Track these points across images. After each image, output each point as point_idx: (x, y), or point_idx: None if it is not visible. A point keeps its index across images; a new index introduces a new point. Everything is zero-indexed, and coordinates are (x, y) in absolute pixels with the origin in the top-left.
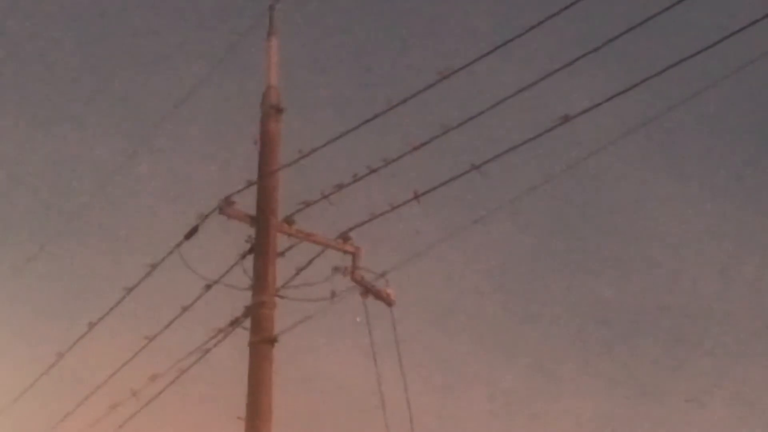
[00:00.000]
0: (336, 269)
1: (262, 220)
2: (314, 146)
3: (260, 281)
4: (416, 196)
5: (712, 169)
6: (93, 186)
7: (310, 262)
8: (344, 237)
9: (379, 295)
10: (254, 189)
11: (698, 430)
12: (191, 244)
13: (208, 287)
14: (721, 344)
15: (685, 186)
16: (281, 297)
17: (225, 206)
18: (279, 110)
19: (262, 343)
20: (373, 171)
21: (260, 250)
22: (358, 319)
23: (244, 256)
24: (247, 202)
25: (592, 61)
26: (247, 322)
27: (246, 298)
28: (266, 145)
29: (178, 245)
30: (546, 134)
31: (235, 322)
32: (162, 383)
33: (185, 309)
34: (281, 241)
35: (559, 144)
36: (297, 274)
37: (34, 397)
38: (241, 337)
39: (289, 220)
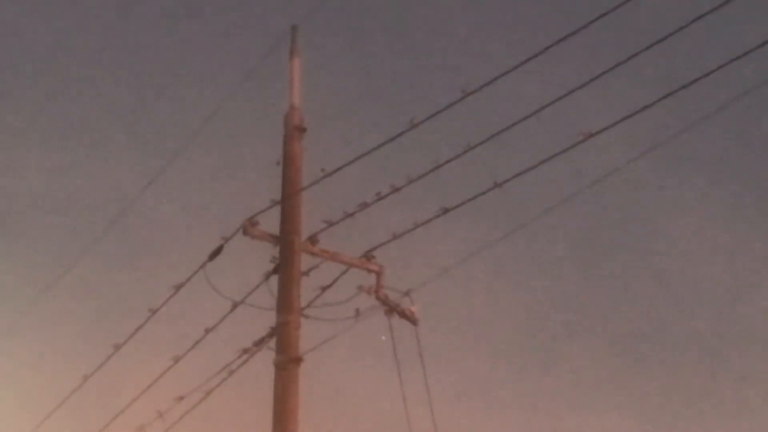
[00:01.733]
0: (360, 288)
1: (285, 240)
2: (337, 166)
3: (285, 301)
4: (444, 212)
5: (734, 182)
6: (117, 207)
7: (334, 281)
8: (368, 256)
9: (403, 314)
10: (278, 209)
11: None
12: (216, 265)
13: (234, 307)
14: (746, 359)
15: (708, 202)
16: (306, 316)
17: (249, 227)
18: (302, 130)
19: (287, 362)
20: (397, 190)
21: (284, 270)
22: (383, 338)
23: (268, 277)
24: (271, 223)
25: (613, 78)
26: (272, 342)
27: (271, 318)
28: (289, 165)
29: (203, 266)
30: (571, 150)
31: (260, 342)
32: (188, 404)
33: (210, 329)
34: (305, 261)
35: (584, 160)
36: (321, 293)
37: (61, 420)
38: (267, 357)
39: (312, 240)
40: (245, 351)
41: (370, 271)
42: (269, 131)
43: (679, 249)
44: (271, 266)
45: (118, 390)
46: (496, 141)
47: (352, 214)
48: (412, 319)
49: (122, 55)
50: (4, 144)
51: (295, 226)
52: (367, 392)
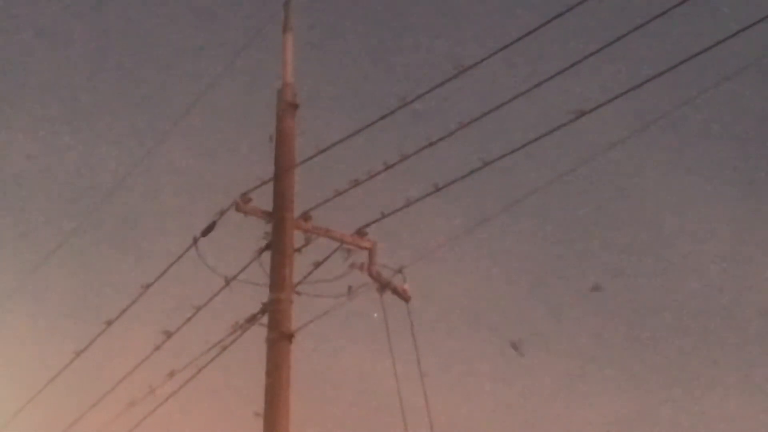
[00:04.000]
0: (352, 265)
1: (278, 216)
2: (330, 143)
3: (277, 277)
4: (436, 189)
5: (728, 162)
6: (110, 184)
7: (326, 258)
8: (360, 233)
9: (395, 291)
10: (270, 186)
11: (721, 424)
12: (208, 241)
13: (226, 284)
14: (743, 338)
15: (699, 180)
16: (298, 293)
17: (241, 203)
18: (295, 107)
19: (279, 339)
20: (389, 167)
21: (277, 247)
22: (375, 315)
23: (261, 253)
24: (264, 199)
25: (607, 57)
26: (265, 319)
27: (263, 295)
28: (282, 142)
29: (195, 242)
30: (562, 130)
31: (252, 319)
32: (180, 380)
33: (203, 306)
34: (298, 238)
35: (575, 139)
36: (314, 270)
37: (53, 395)
38: (259, 333)
39: (305, 217)
40: (237, 327)
41: (362, 248)
42: (262, 108)
43: (674, 227)
44: (264, 243)
45: (110, 366)
46: (489, 119)
47: (344, 191)
48: (404, 296)
49: (111, 31)
50: None
51: (287, 202)
52: (359, 368)
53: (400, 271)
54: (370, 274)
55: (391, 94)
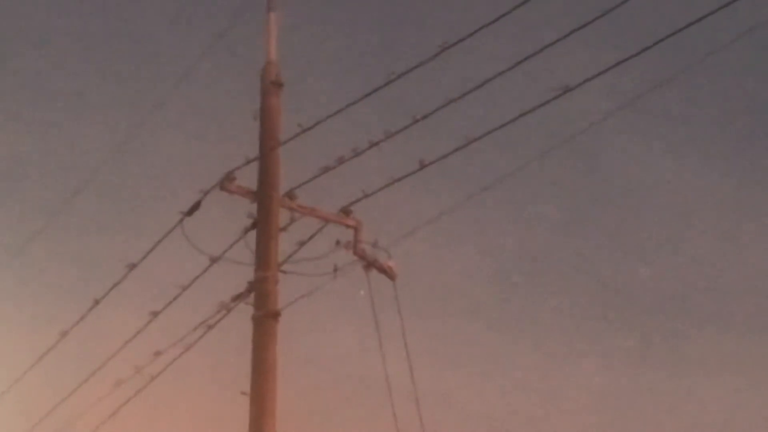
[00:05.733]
0: (338, 243)
1: (263, 195)
2: (315, 121)
3: (263, 256)
4: (421, 167)
5: (712, 139)
6: (94, 163)
7: (312, 236)
8: (346, 211)
9: (381, 269)
10: (255, 165)
11: (712, 399)
12: (194, 221)
13: (212, 263)
14: (726, 315)
15: (685, 157)
16: (284, 272)
17: (226, 182)
18: (279, 85)
19: (265, 317)
20: (374, 144)
21: (262, 226)
22: (361, 293)
23: (246, 232)
24: (249, 178)
25: (592, 33)
26: (251, 298)
27: (249, 274)
28: (266, 121)
29: (180, 221)
30: (547, 106)
31: (238, 298)
32: (166, 359)
33: (188, 285)
34: (283, 217)
35: (560, 117)
36: (299, 248)
37: (39, 375)
38: (245, 312)
39: (290, 195)
40: (223, 306)
41: (347, 226)
42: (247, 86)
43: (657, 203)
44: (249, 222)
45: (96, 346)
46: (474, 96)
47: (329, 170)
48: (390, 274)
49: (95, 12)
50: None
51: (272, 181)
52: (345, 347)
53: (385, 249)
54: (356, 253)
55: (376, 71)
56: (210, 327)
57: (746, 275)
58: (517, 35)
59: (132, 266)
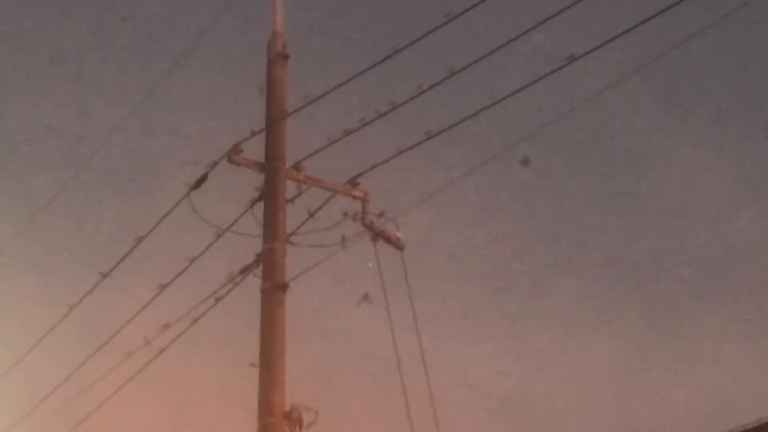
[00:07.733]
0: (345, 215)
1: (270, 167)
2: (321, 92)
3: (270, 228)
4: (428, 137)
5: (723, 104)
6: (102, 137)
7: (319, 207)
8: (353, 182)
9: (389, 240)
10: (262, 136)
11: (712, 368)
12: (201, 193)
13: (219, 235)
14: (732, 284)
15: (690, 127)
16: (292, 243)
17: (233, 154)
18: (285, 57)
19: (273, 289)
20: (381, 115)
21: (270, 198)
22: (370, 264)
23: (253, 204)
24: (256, 150)
25: (598, 2)
26: (259, 269)
27: (257, 246)
28: (273, 92)
29: (188, 193)
30: (553, 75)
31: (246, 269)
32: (175, 332)
33: (195, 258)
34: (290, 188)
35: (566, 86)
36: (307, 220)
37: (48, 348)
38: (253, 284)
39: (297, 167)
40: (232, 278)
41: (355, 197)
42: (253, 58)
43: (667, 174)
44: (257, 193)
45: (105, 318)
46: (481, 65)
47: (336, 141)
48: (397, 245)
49: None
50: None
51: (279, 153)
52: (354, 318)
53: (393, 219)
54: (364, 224)
55: (382, 42)
56: (218, 299)
57: (759, 242)
58: (524, 4)
59: (140, 239)
